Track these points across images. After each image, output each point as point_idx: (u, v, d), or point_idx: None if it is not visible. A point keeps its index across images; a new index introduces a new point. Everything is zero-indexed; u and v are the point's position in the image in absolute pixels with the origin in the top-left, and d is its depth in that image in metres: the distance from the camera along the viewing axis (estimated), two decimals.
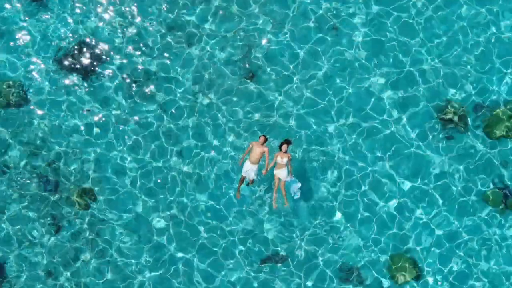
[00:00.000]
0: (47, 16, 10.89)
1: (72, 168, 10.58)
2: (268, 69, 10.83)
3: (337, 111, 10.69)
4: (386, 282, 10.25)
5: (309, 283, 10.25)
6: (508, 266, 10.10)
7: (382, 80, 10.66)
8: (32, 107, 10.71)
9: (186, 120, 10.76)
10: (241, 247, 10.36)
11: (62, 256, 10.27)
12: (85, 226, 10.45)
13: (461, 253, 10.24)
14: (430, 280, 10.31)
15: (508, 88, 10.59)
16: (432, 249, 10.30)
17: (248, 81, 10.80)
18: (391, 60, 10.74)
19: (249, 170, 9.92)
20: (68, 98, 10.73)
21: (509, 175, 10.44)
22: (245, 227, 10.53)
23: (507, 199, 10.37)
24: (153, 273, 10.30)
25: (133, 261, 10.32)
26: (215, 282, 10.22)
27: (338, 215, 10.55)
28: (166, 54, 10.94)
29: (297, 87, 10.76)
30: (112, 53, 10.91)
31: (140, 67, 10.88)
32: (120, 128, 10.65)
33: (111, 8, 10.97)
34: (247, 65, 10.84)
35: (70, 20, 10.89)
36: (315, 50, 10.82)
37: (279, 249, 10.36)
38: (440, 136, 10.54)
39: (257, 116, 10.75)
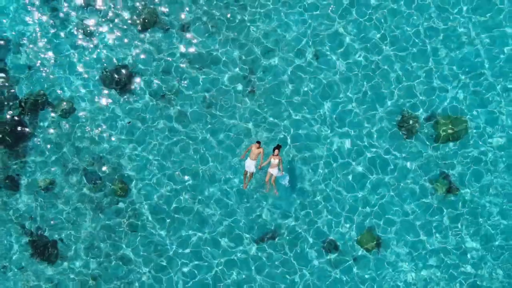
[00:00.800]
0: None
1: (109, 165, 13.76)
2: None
3: (321, 123, 13.73)
4: (357, 250, 13.57)
5: (294, 249, 13.64)
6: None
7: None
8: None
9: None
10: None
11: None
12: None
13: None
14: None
15: (448, 102, 13.54)
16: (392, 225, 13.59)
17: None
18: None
19: (250, 165, 12.95)
20: (108, 110, 13.80)
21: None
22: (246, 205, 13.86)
23: (450, 186, 13.51)
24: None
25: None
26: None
27: (318, 197, 13.73)
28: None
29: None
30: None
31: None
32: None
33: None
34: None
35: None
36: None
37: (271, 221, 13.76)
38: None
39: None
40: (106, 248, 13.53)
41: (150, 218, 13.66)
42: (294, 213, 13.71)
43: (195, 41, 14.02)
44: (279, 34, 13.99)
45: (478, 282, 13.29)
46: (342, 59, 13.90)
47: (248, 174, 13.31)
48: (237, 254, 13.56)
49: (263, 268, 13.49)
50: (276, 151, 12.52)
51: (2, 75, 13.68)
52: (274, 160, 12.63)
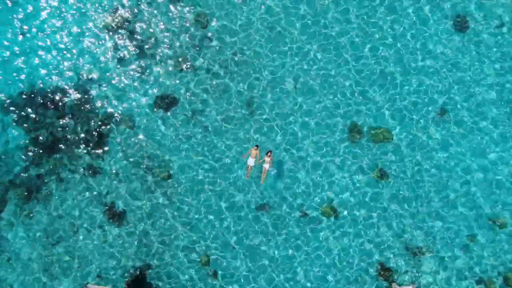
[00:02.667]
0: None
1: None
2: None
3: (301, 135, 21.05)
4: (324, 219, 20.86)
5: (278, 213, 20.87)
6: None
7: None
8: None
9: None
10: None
11: None
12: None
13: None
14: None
15: (373, 118, 20.96)
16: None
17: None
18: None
19: (250, 161, 20.27)
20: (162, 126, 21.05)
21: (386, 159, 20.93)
22: (249, 189, 21.09)
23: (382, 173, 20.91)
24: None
25: None
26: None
27: (304, 178, 21.00)
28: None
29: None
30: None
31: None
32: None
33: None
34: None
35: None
36: None
37: (263, 198, 20.97)
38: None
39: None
40: None
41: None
42: (278, 194, 21.09)
43: None
44: None
45: None
46: None
47: (249, 167, 20.60)
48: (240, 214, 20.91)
49: (259, 219, 20.87)
50: (269, 153, 19.81)
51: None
52: (267, 159, 19.94)
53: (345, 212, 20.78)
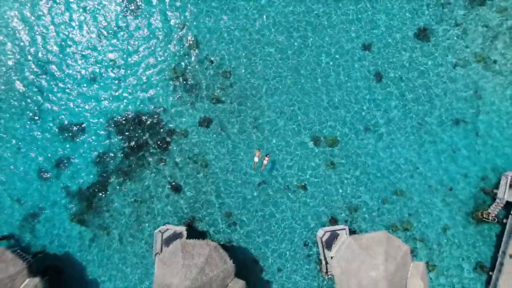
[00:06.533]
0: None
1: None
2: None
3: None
4: (300, 190, 35.19)
5: (278, 184, 35.15)
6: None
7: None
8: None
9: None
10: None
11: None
12: None
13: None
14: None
15: (330, 131, 35.74)
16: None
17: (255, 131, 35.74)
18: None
19: (255, 158, 34.74)
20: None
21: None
22: (253, 173, 35.42)
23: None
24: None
25: None
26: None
27: (286, 169, 35.41)
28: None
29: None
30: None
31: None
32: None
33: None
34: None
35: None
36: None
37: (261, 178, 35.28)
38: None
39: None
40: None
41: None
42: (271, 176, 35.42)
43: None
44: None
45: None
46: None
47: (255, 162, 34.97)
48: (250, 186, 35.14)
49: (265, 191, 35.10)
50: (267, 155, 34.28)
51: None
52: (266, 158, 34.41)
53: (308, 188, 35.21)
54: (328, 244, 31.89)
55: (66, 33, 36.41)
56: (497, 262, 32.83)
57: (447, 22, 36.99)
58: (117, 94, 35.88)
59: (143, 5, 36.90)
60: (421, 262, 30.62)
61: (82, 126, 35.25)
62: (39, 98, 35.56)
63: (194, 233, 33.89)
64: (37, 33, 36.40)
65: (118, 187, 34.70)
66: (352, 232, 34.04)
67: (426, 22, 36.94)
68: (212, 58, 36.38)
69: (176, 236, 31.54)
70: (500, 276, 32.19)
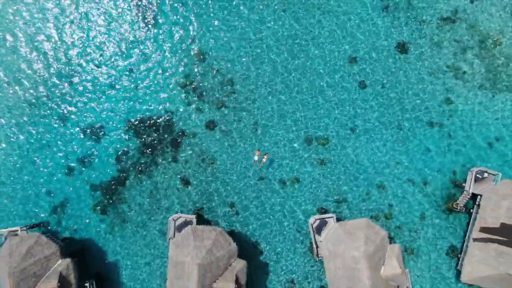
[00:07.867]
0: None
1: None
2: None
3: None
4: (293, 183, 40.22)
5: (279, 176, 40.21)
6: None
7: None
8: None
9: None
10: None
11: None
12: None
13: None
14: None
15: (323, 132, 40.82)
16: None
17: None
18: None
19: (255, 157, 39.79)
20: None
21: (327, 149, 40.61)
22: (253, 169, 40.49)
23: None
24: None
25: None
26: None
27: (282, 166, 40.47)
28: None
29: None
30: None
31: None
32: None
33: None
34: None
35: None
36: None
37: (261, 173, 40.35)
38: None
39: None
40: None
41: None
42: (268, 172, 40.46)
43: None
44: None
45: None
46: None
47: (255, 160, 39.97)
48: (252, 179, 40.22)
49: (263, 184, 40.22)
50: (266, 154, 39.35)
51: None
52: (266, 156, 39.46)
53: (301, 181, 40.26)
54: (318, 230, 36.95)
55: (89, 45, 41.45)
56: (463, 245, 37.98)
57: (424, 37, 42.25)
58: (134, 99, 40.90)
59: (158, 18, 41.89)
60: (396, 245, 35.71)
61: (103, 127, 40.23)
62: (66, 102, 40.55)
63: (202, 220, 38.99)
64: (62, 47, 41.43)
65: (134, 182, 39.70)
66: (338, 219, 39.12)
67: (405, 37, 42.16)
68: (217, 68, 41.39)
69: (187, 223, 36.57)
70: (466, 257, 37.32)
